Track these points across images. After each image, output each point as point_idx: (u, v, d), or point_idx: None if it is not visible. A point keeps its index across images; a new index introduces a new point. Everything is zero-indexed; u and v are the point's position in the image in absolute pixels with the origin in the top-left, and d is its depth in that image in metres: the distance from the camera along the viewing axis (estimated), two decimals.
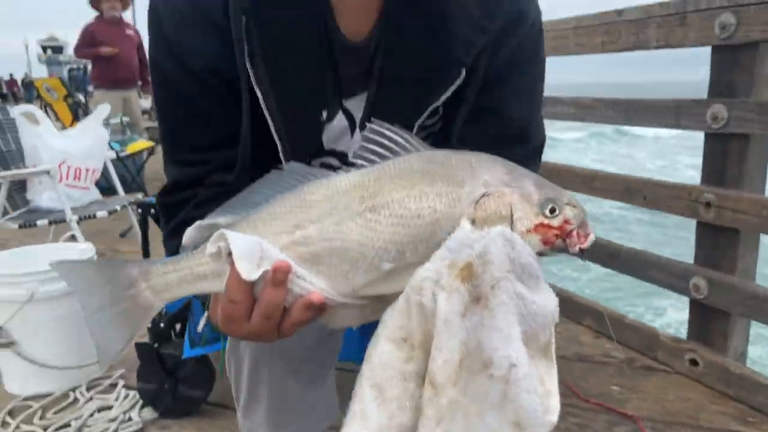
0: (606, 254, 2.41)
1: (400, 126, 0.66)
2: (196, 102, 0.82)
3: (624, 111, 2.26)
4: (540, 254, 0.63)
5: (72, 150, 2.95)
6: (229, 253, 0.61)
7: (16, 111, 3.02)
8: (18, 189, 2.90)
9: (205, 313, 0.74)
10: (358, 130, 0.88)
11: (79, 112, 5.81)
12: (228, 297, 0.64)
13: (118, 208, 2.90)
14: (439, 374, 0.58)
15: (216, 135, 0.84)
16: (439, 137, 0.88)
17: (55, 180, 2.62)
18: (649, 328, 2.26)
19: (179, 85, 0.82)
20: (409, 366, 0.61)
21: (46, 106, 5.88)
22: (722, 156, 1.94)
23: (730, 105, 1.84)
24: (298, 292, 0.62)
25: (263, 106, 0.80)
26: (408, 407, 0.61)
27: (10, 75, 26.56)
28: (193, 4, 0.79)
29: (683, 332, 2.16)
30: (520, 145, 0.89)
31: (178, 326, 1.84)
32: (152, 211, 1.71)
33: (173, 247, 0.81)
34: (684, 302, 2.15)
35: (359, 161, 0.65)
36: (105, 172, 3.43)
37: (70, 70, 9.36)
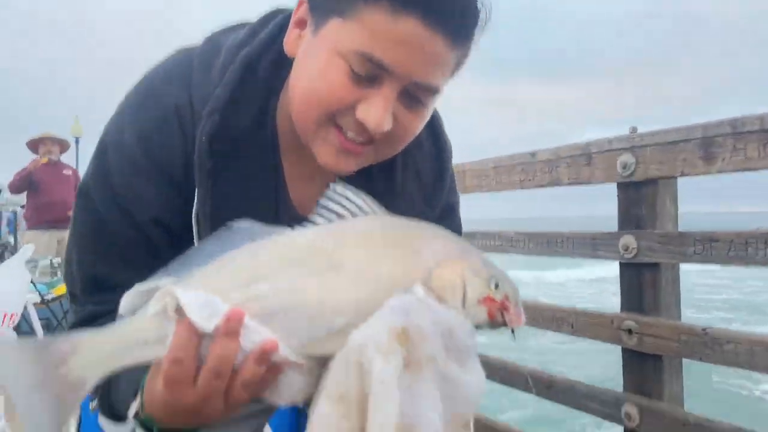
0: (541, 385, 2.41)
1: (362, 192, 0.68)
2: (127, 248, 0.80)
3: (546, 243, 2.37)
4: (478, 327, 0.66)
5: None
6: (175, 310, 0.58)
7: None
8: None
9: (137, 398, 0.67)
10: None
11: (5, 255, 5.62)
12: (172, 357, 0.59)
13: None
14: None
15: (141, 279, 0.82)
16: None
17: None
18: None
19: (114, 229, 0.80)
20: (343, 423, 0.60)
21: None
22: (638, 284, 2.03)
23: (638, 236, 1.97)
24: (250, 347, 0.59)
25: None
26: None
27: None
28: (149, 155, 0.79)
29: None
30: None
31: None
32: None
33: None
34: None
35: (318, 219, 0.66)
36: (26, 315, 3.27)
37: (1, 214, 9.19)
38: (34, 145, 5.98)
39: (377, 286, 0.62)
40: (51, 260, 5.26)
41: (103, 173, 0.80)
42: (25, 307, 3.16)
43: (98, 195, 0.81)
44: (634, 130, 2.00)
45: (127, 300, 0.63)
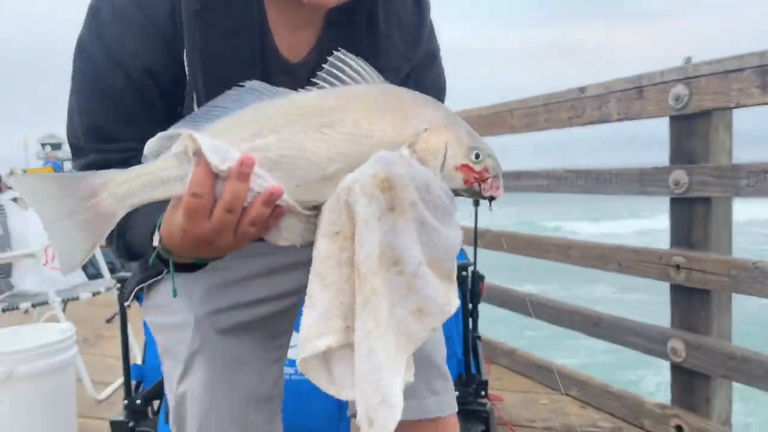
0: (589, 323, 2.43)
1: (363, 60, 0.72)
2: (123, 100, 0.85)
3: (594, 180, 2.35)
4: (456, 193, 0.73)
5: None
6: (194, 153, 0.65)
7: (5, 197, 3.09)
8: (2, 274, 2.91)
9: (156, 233, 0.74)
10: None
11: None
12: (192, 191, 0.66)
13: (103, 290, 2.90)
14: (362, 266, 0.67)
15: (138, 132, 0.84)
16: None
17: (40, 263, 2.64)
18: (634, 396, 2.24)
19: (109, 82, 0.84)
20: (343, 254, 0.70)
21: None
22: (688, 219, 2.00)
23: (690, 171, 1.93)
24: (257, 190, 0.67)
25: (195, 107, 0.83)
26: (345, 289, 0.70)
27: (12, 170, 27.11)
28: (138, 4, 0.84)
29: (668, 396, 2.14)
30: None
31: (155, 404, 1.81)
32: None
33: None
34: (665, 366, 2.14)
35: (321, 83, 0.72)
36: (93, 258, 3.46)
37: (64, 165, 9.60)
38: None
39: (369, 142, 0.69)
40: None
41: (96, 27, 0.85)
42: None
43: (93, 48, 0.85)
44: (688, 60, 1.93)
45: (150, 145, 0.70)
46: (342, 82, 0.71)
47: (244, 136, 0.68)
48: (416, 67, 0.99)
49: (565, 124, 2.45)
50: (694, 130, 1.96)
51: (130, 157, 0.82)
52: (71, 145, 0.89)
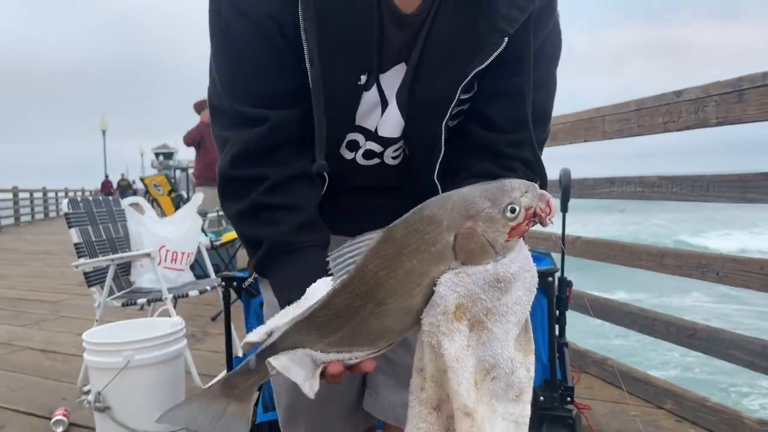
0: (684, 333, 2.35)
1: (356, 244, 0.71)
2: (254, 53, 0.87)
3: (690, 187, 2.27)
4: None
5: (170, 236, 3.24)
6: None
7: (125, 202, 3.39)
8: (123, 272, 3.20)
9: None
10: (390, 107, 0.94)
11: (180, 205, 6.32)
12: None
13: (209, 288, 3.12)
14: (469, 401, 0.66)
15: (274, 89, 0.88)
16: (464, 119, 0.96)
17: (155, 262, 2.88)
18: (732, 411, 2.14)
19: (238, 35, 0.87)
20: (423, 394, 0.72)
21: (153, 201, 6.45)
22: None
23: None
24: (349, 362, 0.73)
25: (306, 57, 0.84)
26: (422, 429, 0.72)
27: (106, 175, 29.52)
28: None
29: None
30: (541, 128, 0.98)
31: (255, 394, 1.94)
32: (234, 284, 1.88)
33: (249, 236, 0.92)
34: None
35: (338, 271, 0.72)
36: (200, 259, 3.72)
37: (176, 172, 10.35)
38: (199, 107, 6.58)
39: (419, 293, 0.68)
40: (217, 212, 5.85)
41: None
42: (199, 251, 3.59)
43: (220, 6, 0.88)
44: None
45: (250, 340, 0.77)
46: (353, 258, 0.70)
47: (317, 339, 0.72)
48: (535, 16, 0.90)
49: (659, 129, 2.39)
50: None
51: (278, 141, 0.89)
52: (212, 107, 0.94)
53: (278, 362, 0.71)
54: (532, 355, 0.71)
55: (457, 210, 0.66)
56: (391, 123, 0.96)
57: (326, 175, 0.98)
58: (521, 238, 0.69)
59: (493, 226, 0.66)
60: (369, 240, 0.68)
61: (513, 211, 0.66)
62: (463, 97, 0.93)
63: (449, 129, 0.97)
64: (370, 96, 0.93)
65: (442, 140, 0.95)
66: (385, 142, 0.99)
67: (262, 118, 0.89)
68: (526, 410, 0.70)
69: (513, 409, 0.69)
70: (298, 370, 0.71)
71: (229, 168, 0.91)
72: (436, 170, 0.97)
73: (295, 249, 0.90)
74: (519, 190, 0.67)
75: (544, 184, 0.96)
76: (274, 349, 0.72)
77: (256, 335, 0.75)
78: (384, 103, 0.95)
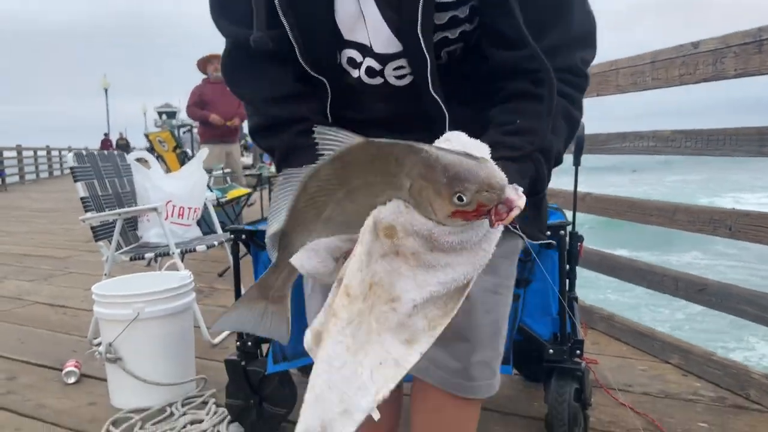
0: (693, 289, 2.35)
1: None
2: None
3: (705, 141, 2.23)
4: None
5: (177, 191, 3.23)
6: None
7: (131, 157, 3.37)
8: (130, 227, 3.20)
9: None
10: (368, 15, 0.94)
11: (185, 161, 6.30)
12: None
13: (216, 243, 3.12)
14: (355, 288, 0.71)
15: (247, 9, 0.94)
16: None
17: (162, 217, 2.87)
18: (739, 366, 2.15)
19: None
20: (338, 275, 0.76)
21: (158, 157, 6.43)
22: None
23: None
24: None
25: None
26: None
27: (105, 134, 29.61)
28: None
29: None
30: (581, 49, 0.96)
31: (264, 347, 1.95)
32: (243, 237, 1.86)
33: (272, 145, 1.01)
34: None
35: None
36: (207, 215, 3.71)
37: (180, 131, 10.30)
38: (203, 65, 6.48)
39: (379, 201, 0.73)
40: (222, 169, 5.83)
41: None
42: (206, 207, 3.58)
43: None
44: None
45: (270, 243, 0.84)
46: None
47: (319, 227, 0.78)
48: None
49: (675, 82, 2.33)
50: None
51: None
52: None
53: (295, 259, 0.79)
54: (446, 321, 0.74)
55: (422, 164, 0.67)
56: (381, 37, 0.95)
57: (329, 88, 1.01)
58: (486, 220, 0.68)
59: (438, 200, 0.67)
60: (351, 140, 0.70)
61: (460, 199, 0.65)
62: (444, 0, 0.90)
63: (453, 41, 0.95)
64: (348, 4, 0.94)
65: (423, 47, 0.91)
66: (383, 59, 0.97)
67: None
68: (412, 358, 0.73)
69: (397, 349, 0.72)
70: (313, 261, 0.78)
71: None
72: (430, 82, 0.94)
73: (304, 148, 0.94)
74: (481, 185, 0.64)
75: (583, 89, 0.98)
76: (286, 236, 0.79)
77: (274, 226, 0.81)
78: (360, 11, 0.94)
